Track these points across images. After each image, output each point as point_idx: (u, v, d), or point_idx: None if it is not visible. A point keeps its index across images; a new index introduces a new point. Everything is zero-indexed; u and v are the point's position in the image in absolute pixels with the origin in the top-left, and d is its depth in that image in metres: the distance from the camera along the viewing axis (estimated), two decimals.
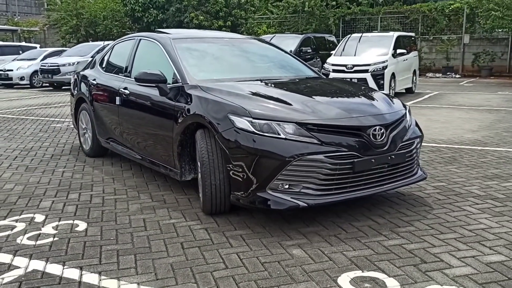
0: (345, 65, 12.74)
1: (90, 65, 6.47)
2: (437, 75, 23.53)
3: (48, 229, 3.74)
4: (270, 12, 27.57)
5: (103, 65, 5.96)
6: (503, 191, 4.62)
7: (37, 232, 3.67)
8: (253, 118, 3.55)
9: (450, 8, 24.22)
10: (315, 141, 3.48)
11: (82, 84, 6.22)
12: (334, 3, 25.28)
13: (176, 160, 4.32)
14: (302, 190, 3.48)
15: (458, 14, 24.18)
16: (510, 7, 17.20)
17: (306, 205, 3.45)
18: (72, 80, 6.71)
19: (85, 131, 6.25)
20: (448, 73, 23.39)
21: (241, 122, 3.58)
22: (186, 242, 3.42)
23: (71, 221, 3.90)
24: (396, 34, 13.98)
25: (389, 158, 3.75)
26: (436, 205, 4.22)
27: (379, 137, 3.70)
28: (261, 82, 4.54)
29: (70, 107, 6.94)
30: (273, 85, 4.47)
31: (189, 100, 4.13)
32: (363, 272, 2.93)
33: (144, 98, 4.74)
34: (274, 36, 17.74)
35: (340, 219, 3.84)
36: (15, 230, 3.72)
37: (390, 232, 3.58)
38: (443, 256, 3.15)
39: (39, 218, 3.99)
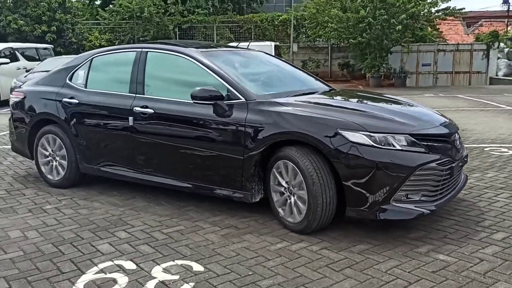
0: None
1: (45, 81, 5.53)
2: None
3: (166, 275, 3.22)
4: (101, 18, 26.16)
5: (82, 82, 5.17)
6: None
7: (156, 281, 3.13)
8: (370, 132, 3.58)
9: (279, 19, 26.16)
10: (424, 150, 3.67)
11: (46, 104, 5.30)
12: (172, 10, 25.18)
13: (247, 181, 4.06)
14: (422, 198, 3.63)
15: (286, 25, 26.24)
16: (342, 21, 19.34)
17: (429, 211, 3.63)
18: (16, 99, 5.65)
19: (50, 158, 5.34)
20: None
21: (357, 137, 3.58)
22: (331, 265, 3.31)
23: (178, 262, 3.40)
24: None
25: (464, 160, 4.13)
26: None
27: (458, 143, 4.05)
28: (321, 94, 4.55)
29: (10, 131, 5.85)
30: (340, 98, 4.53)
31: (268, 117, 3.93)
32: None
33: (188, 118, 4.31)
34: None
35: (438, 224, 4.07)
36: (122, 283, 3.11)
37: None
38: None
39: (130, 265, 3.39)
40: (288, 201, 3.92)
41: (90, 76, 5.17)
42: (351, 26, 19.33)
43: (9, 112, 5.87)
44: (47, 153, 5.36)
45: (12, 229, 4.13)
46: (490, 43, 23.75)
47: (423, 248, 3.55)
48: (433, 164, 3.65)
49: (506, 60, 25.28)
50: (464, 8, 19.64)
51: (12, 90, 12.54)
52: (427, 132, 3.80)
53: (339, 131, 3.62)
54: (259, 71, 4.97)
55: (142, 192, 5.07)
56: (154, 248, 3.66)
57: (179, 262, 3.41)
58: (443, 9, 19.63)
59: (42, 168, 5.43)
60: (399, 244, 3.63)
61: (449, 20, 23.63)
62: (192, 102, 4.28)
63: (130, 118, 4.63)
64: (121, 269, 3.32)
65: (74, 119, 5.06)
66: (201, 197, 4.68)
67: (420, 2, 18.73)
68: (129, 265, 3.38)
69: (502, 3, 47.50)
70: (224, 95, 4.15)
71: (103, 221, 4.30)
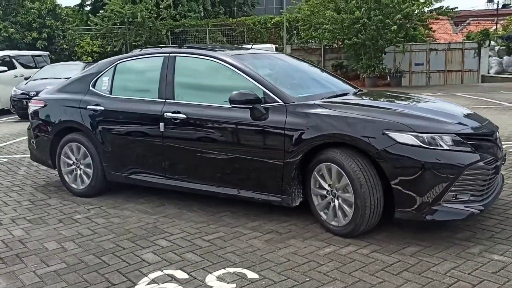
0: None
1: (66, 88, 5.43)
2: None
3: (221, 284, 3.15)
4: (94, 23, 25.94)
5: (107, 88, 5.08)
6: None
7: None
8: (418, 133, 3.55)
9: (272, 22, 26.17)
10: (471, 150, 3.64)
11: (70, 111, 5.20)
12: (165, 15, 25.06)
13: (287, 185, 4.02)
14: (470, 198, 3.61)
15: (278, 27, 26.25)
16: (337, 22, 19.40)
17: (479, 211, 3.60)
18: (35, 108, 5.54)
19: (74, 166, 5.24)
20: None
21: (405, 138, 3.55)
22: (387, 268, 3.27)
23: (230, 270, 3.33)
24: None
25: (504, 159, 4.12)
26: None
27: (499, 141, 4.04)
28: (354, 96, 4.51)
29: (30, 140, 5.73)
30: (376, 98, 4.51)
31: (310, 119, 3.89)
32: None
33: (224, 122, 4.25)
34: None
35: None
36: None
37: None
38: None
39: (181, 274, 3.32)
40: (331, 204, 3.87)
41: (115, 82, 5.08)
42: (346, 27, 19.38)
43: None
44: (71, 162, 5.26)
45: (47, 241, 4.03)
46: (481, 42, 23.97)
47: (475, 249, 3.52)
48: (481, 164, 3.62)
49: (497, 58, 25.54)
50: (457, 7, 19.80)
51: (12, 98, 12.42)
52: (472, 131, 3.78)
53: (386, 132, 3.59)
54: (288, 73, 4.91)
55: (170, 198, 4.99)
56: (201, 256, 3.59)
57: (231, 269, 3.35)
58: (436, 9, 19.77)
59: (66, 177, 5.33)
60: (449, 245, 3.60)
61: (439, 19, 23.78)
62: (227, 106, 4.23)
63: (161, 124, 4.55)
64: (173, 278, 3.25)
65: (100, 127, 4.97)
66: (233, 202, 4.63)
67: (415, 1, 18.84)
68: (180, 274, 3.31)
69: (487, 2, 48.21)
70: (261, 99, 4.10)
71: (139, 229, 4.22)
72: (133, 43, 25.01)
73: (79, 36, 26.72)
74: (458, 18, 34.36)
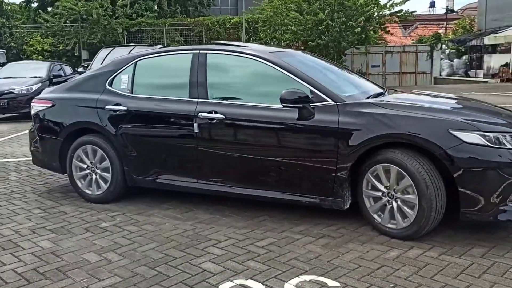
0: None
1: (77, 87, 5.06)
2: None
3: None
4: (44, 20, 24.79)
5: (127, 87, 4.76)
6: None
7: None
8: (485, 132, 3.52)
9: (231, 23, 26.01)
10: None
11: (85, 112, 4.84)
12: (121, 13, 24.33)
13: (339, 187, 3.90)
14: None
15: (237, 28, 26.12)
16: (300, 23, 19.51)
17: None
18: (41, 108, 5.13)
19: (89, 171, 4.89)
20: None
21: (471, 137, 3.51)
22: (466, 271, 3.22)
23: (305, 278, 3.16)
24: None
25: None
26: None
27: None
28: (397, 95, 4.46)
29: (33, 143, 5.31)
30: (425, 98, 4.53)
31: (366, 119, 3.78)
32: None
33: (269, 122, 4.07)
34: None
35: None
36: None
37: None
38: None
39: (255, 284, 3.12)
40: (388, 206, 3.78)
41: (136, 81, 4.77)
42: (309, 28, 19.51)
43: None
44: (85, 166, 4.90)
45: (84, 252, 3.71)
46: (434, 45, 24.87)
47: None
48: None
49: (448, 61, 26.62)
50: (416, 11, 20.40)
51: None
52: None
53: (451, 132, 3.53)
54: (322, 72, 4.77)
55: (195, 203, 4.75)
56: (264, 264, 3.40)
57: (306, 277, 3.18)
58: (395, 12, 20.27)
59: (78, 183, 4.96)
60: None
61: (396, 22, 24.45)
62: (270, 106, 4.07)
63: (195, 125, 4.31)
64: None
65: (122, 128, 4.65)
66: (266, 205, 4.46)
67: (376, 4, 19.23)
68: (254, 284, 3.12)
69: (429, 7, 50.23)
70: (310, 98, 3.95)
71: (181, 237, 3.96)
72: (87, 41, 24.16)
73: (28, 34, 25.44)
74: (406, 21, 35.48)
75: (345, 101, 3.95)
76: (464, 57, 26.43)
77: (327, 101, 3.96)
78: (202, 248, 3.72)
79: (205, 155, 4.34)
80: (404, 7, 20.48)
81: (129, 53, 13.42)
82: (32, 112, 5.25)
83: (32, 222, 4.41)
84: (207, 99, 4.36)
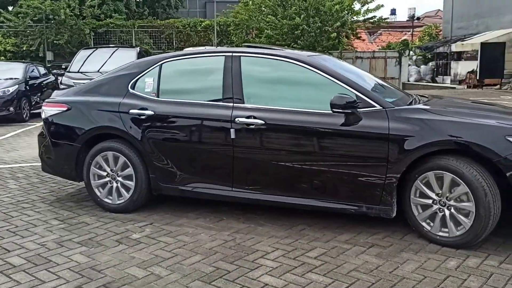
0: None
1: (95, 90, 4.79)
2: None
3: None
4: (6, 20, 23.81)
5: (152, 90, 4.53)
6: None
7: None
8: None
9: (202, 25, 25.80)
10: None
11: (106, 116, 4.58)
12: (89, 13, 23.68)
13: (388, 195, 3.81)
14: None
15: (208, 31, 25.93)
16: (277, 27, 19.53)
17: None
18: (54, 112, 4.82)
19: (109, 179, 4.62)
20: None
21: None
22: None
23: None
24: None
25: None
26: None
27: None
28: (436, 101, 4.42)
29: (45, 149, 4.98)
30: (465, 104, 4.52)
31: (418, 125, 3.71)
32: None
33: (315, 128, 3.94)
34: None
35: None
36: None
37: None
38: None
39: None
40: (439, 214, 3.71)
41: (162, 84, 4.54)
42: (285, 33, 19.55)
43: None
44: (104, 174, 4.62)
45: (126, 266, 3.47)
46: (402, 51, 25.37)
47: None
48: None
49: (415, 67, 27.22)
50: (388, 18, 20.75)
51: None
52: None
53: (508, 138, 3.50)
54: (361, 78, 4.65)
55: (224, 212, 4.57)
56: (327, 276, 3.27)
57: None
58: (369, 18, 20.59)
59: (96, 191, 4.68)
60: None
61: (369, 28, 24.85)
62: (314, 111, 3.96)
63: (232, 131, 4.13)
64: None
65: (150, 133, 4.41)
66: (303, 213, 4.34)
67: (351, 11, 19.47)
68: None
69: (390, 14, 51.42)
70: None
71: (224, 248, 3.78)
72: (54, 41, 23.40)
73: None
74: (376, 28, 36.21)
75: (393, 107, 3.86)
76: (430, 64, 27.10)
77: (374, 106, 3.86)
78: (252, 260, 3.54)
79: (242, 161, 4.16)
80: (377, 14, 20.81)
81: (112, 54, 13.26)
82: (43, 116, 4.92)
83: (55, 234, 4.11)
84: (243, 103, 4.19)
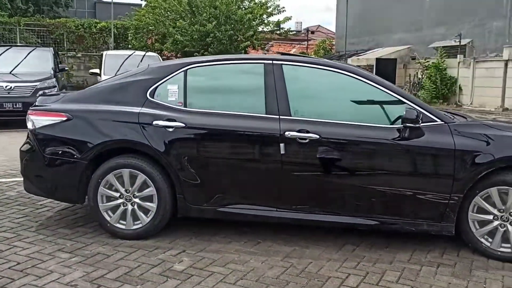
0: None
1: (102, 98, 4.11)
2: None
3: None
4: None
5: (177, 99, 3.98)
6: None
7: None
8: None
9: (98, 27, 24.31)
10: None
11: (122, 128, 3.93)
12: None
13: (451, 212, 3.73)
14: None
15: (104, 33, 24.49)
16: (187, 34, 19.02)
17: None
18: (49, 122, 4.04)
19: (123, 200, 3.97)
20: None
21: None
22: None
23: None
24: None
25: None
26: None
27: None
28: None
29: (30, 165, 4.16)
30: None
31: (485, 141, 3.68)
32: None
33: (379, 144, 3.73)
34: None
35: None
36: None
37: None
38: None
39: None
40: (501, 229, 3.70)
41: (190, 92, 4.01)
42: (195, 39, 19.12)
43: None
44: (117, 195, 3.96)
45: None
46: None
47: None
48: None
49: None
50: (290, 28, 21.29)
51: None
52: None
53: None
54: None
55: (254, 233, 4.17)
56: None
57: None
58: (277, 29, 20.94)
59: (105, 215, 3.99)
60: None
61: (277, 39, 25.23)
62: (373, 125, 3.76)
63: (281, 146, 3.76)
64: None
65: (180, 148, 3.86)
66: (340, 231, 4.12)
67: (262, 21, 19.63)
68: None
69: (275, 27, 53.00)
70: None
71: (292, 276, 3.40)
72: None
73: None
74: (285, 39, 37.03)
75: (454, 122, 3.79)
76: None
77: (436, 121, 3.76)
78: (321, 285, 3.22)
79: (292, 179, 3.80)
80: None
81: (29, 54, 11.68)
82: (31, 127, 4.10)
83: (78, 272, 3.39)
84: (290, 116, 3.84)
